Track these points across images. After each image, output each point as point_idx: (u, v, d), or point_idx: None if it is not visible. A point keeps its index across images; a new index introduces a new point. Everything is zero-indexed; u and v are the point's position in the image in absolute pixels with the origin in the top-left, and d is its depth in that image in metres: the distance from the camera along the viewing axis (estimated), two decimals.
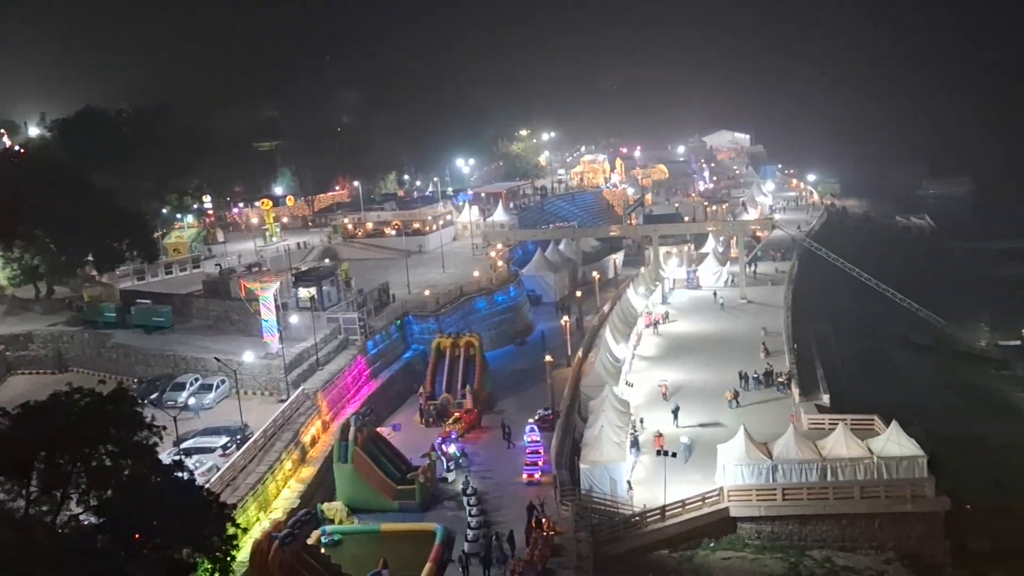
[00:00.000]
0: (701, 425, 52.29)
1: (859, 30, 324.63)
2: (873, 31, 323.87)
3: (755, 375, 58.78)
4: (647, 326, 74.47)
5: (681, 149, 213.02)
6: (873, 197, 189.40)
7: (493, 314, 73.72)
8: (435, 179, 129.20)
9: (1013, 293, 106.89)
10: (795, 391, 55.81)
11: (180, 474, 29.93)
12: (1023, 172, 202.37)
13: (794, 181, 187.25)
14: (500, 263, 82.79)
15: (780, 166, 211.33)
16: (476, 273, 77.85)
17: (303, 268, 73.42)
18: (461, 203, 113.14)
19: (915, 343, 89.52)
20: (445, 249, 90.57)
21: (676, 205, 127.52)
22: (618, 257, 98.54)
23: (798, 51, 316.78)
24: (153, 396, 52.10)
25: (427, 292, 70.90)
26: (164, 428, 30.60)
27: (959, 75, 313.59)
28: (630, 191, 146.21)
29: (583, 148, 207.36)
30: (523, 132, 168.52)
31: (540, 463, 47.04)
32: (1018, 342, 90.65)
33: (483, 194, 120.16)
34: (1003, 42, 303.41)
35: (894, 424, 45.44)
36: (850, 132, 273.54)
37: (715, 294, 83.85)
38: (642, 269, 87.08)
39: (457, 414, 54.66)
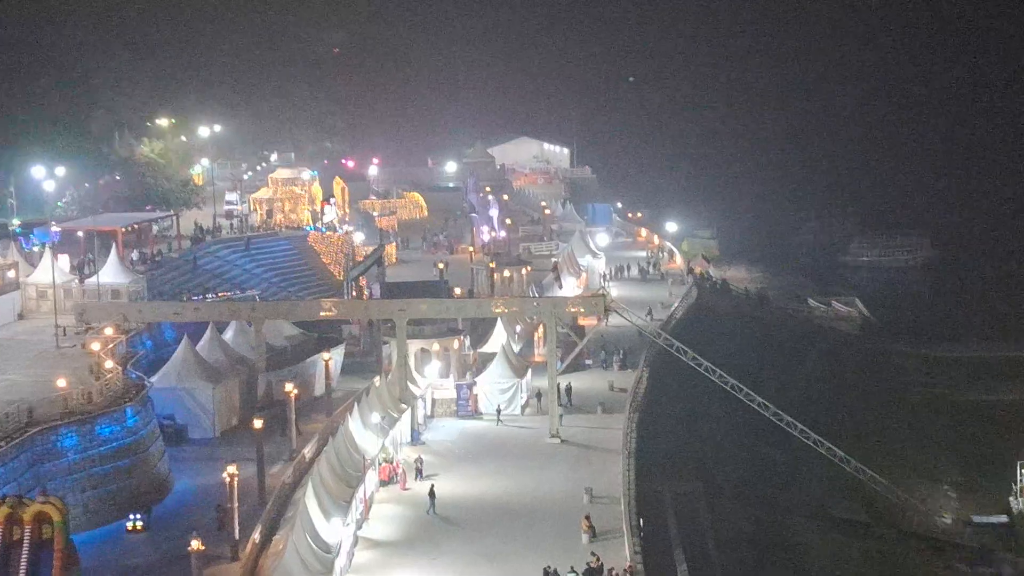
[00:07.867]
0: None
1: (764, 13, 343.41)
2: (785, 19, 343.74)
3: (572, 573, 59.54)
4: (384, 483, 74.72)
5: (452, 167, 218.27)
6: (772, 264, 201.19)
7: (91, 461, 71.27)
8: None
9: (995, 434, 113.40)
10: None
11: None
12: (1010, 233, 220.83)
13: (643, 232, 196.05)
14: (109, 364, 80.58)
15: (620, 205, 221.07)
16: (61, 383, 75.23)
17: None
18: (36, 248, 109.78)
19: (836, 517, 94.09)
20: (1, 335, 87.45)
21: (441, 266, 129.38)
22: (334, 357, 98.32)
23: (656, 25, 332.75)
24: None
25: None
26: None
27: (913, 84, 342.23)
28: (359, 238, 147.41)
29: (275, 156, 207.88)
30: (163, 122, 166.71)
31: None
32: (1003, 518, 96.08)
33: (81, 233, 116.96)
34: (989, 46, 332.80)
35: None
36: (735, 158, 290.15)
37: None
38: (376, 380, 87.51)
39: None
